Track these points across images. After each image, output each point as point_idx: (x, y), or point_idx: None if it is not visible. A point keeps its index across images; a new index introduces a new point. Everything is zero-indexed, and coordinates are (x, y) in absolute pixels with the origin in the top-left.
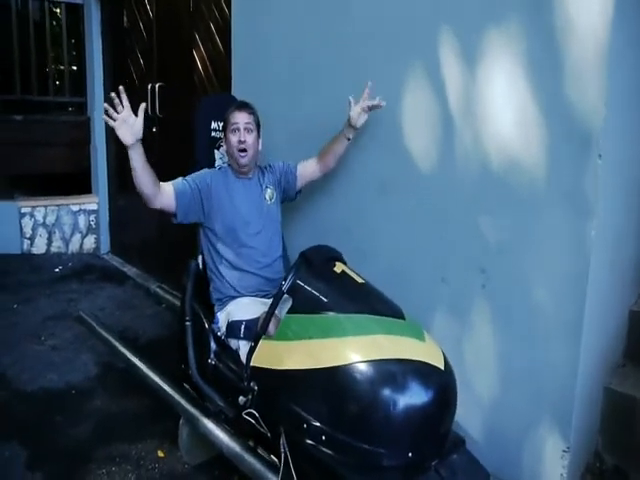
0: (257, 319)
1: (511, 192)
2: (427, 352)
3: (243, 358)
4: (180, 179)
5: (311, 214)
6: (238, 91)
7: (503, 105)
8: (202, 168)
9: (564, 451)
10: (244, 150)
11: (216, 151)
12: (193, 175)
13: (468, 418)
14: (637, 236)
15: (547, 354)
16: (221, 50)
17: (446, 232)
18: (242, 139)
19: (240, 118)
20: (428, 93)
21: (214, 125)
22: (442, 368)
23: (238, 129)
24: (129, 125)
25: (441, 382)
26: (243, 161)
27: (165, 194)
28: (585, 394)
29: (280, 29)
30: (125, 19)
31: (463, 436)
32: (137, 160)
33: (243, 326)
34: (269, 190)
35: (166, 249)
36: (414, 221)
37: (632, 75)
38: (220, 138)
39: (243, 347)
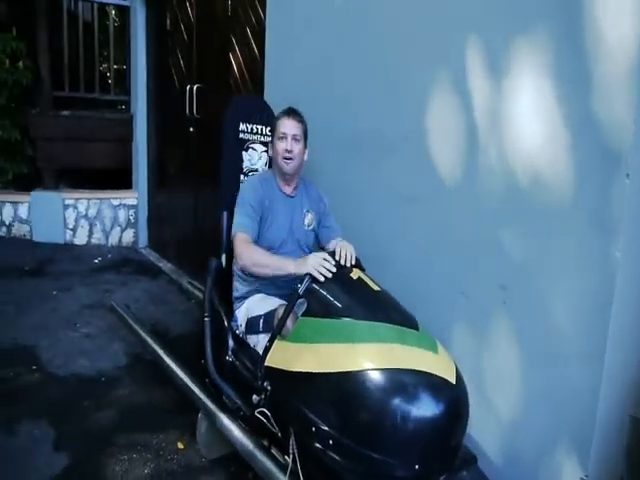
0: (274, 310)
1: (535, 208)
2: (439, 365)
3: (260, 349)
4: (250, 221)
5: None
6: (270, 94)
7: (529, 118)
8: (230, 170)
9: (582, 479)
10: (290, 159)
11: (244, 153)
12: (252, 199)
13: (484, 436)
14: None
15: (567, 377)
16: (256, 54)
17: (468, 245)
18: (289, 148)
19: (289, 127)
20: (454, 104)
21: (242, 127)
22: (453, 382)
23: (286, 137)
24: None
25: (451, 396)
26: (287, 169)
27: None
28: (608, 421)
29: (312, 34)
30: (168, 21)
31: (475, 454)
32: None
33: (262, 320)
34: (309, 215)
35: (200, 246)
36: (436, 232)
37: None
38: (248, 140)
39: (262, 340)
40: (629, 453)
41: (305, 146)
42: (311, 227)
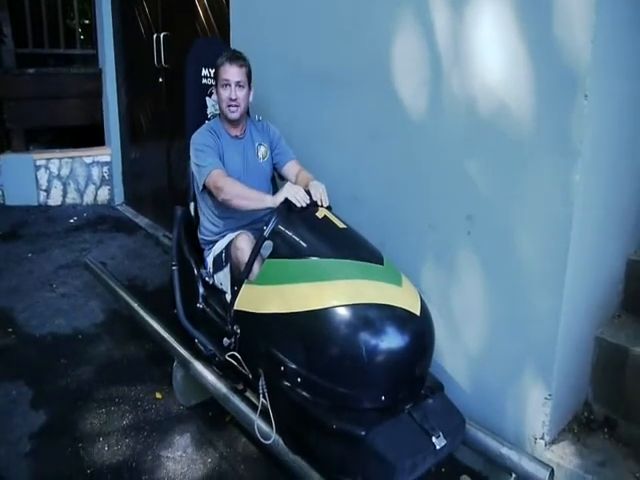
0: (233, 239)
1: (498, 137)
2: (403, 297)
3: (227, 288)
4: (215, 159)
5: (306, 162)
6: (236, 37)
7: (490, 47)
8: (194, 117)
9: (546, 398)
10: (235, 106)
11: (208, 98)
12: (209, 142)
13: (452, 364)
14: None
15: (530, 302)
16: None
17: (434, 178)
18: (233, 96)
19: (231, 74)
20: (415, 37)
21: (205, 72)
22: (418, 313)
23: (229, 85)
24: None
25: (416, 327)
26: (233, 116)
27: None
28: (571, 343)
29: None
30: None
31: (442, 382)
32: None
33: (224, 254)
34: (262, 148)
35: (174, 199)
36: (403, 166)
37: (624, 10)
38: (211, 85)
39: (226, 275)
40: (594, 373)
41: (250, 88)
42: (266, 159)
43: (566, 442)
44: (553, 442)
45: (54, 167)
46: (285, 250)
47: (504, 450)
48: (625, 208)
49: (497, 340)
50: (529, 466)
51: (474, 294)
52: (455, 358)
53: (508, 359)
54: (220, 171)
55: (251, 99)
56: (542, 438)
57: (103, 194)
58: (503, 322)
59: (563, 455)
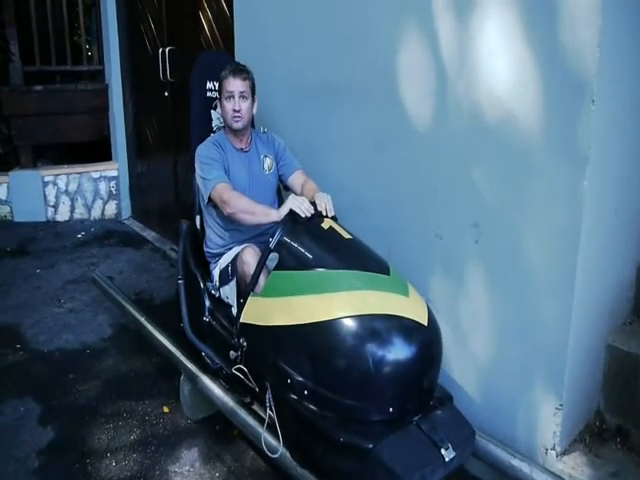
0: (239, 253)
1: (504, 144)
2: (410, 308)
3: (233, 301)
4: (220, 172)
5: (311, 172)
6: (240, 51)
7: (495, 53)
8: (199, 130)
9: (557, 408)
10: (239, 117)
11: (212, 111)
12: (214, 155)
13: (461, 374)
14: None
15: (539, 310)
16: (225, 11)
17: (440, 186)
18: (237, 108)
19: (235, 86)
20: (420, 45)
21: (209, 85)
22: (425, 324)
23: (233, 97)
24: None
25: (423, 338)
26: (237, 126)
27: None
28: (582, 351)
29: None
30: None
31: (451, 393)
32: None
33: (230, 267)
34: (268, 160)
35: (181, 212)
36: (408, 176)
37: (629, 13)
38: (216, 98)
39: (232, 288)
40: (605, 382)
41: (254, 99)
42: (272, 170)
43: (578, 453)
44: (565, 453)
45: (62, 183)
46: (291, 262)
47: (515, 461)
48: (633, 213)
49: (506, 349)
50: (540, 478)
51: (482, 303)
52: (464, 368)
53: (518, 368)
54: (225, 184)
55: (255, 111)
56: (553, 449)
57: (110, 209)
58: (512, 331)
59: (575, 466)
